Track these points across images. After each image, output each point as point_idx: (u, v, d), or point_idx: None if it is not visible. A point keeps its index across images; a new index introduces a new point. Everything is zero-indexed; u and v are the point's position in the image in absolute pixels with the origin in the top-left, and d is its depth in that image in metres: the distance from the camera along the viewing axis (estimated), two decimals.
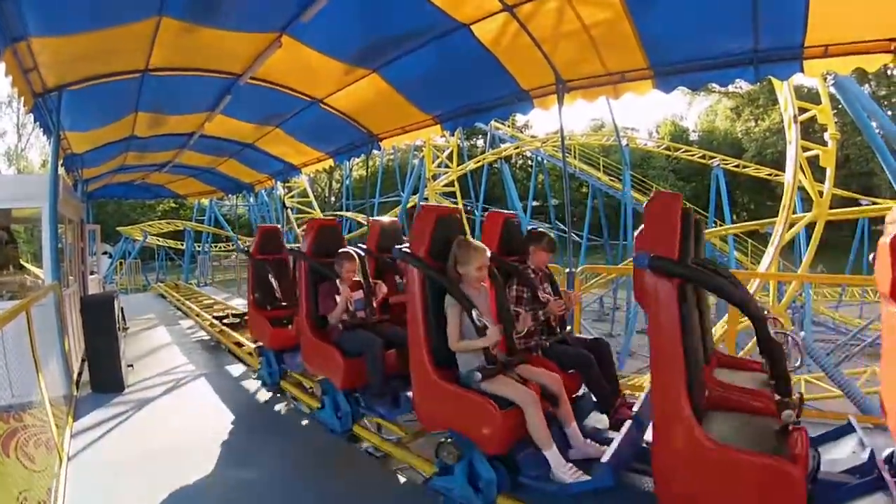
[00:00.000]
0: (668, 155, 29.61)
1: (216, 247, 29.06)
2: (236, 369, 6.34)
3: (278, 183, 10.99)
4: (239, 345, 7.02)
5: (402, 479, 3.46)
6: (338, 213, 32.24)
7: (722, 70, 4.40)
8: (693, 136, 45.10)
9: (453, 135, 17.44)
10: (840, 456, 2.55)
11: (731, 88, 42.86)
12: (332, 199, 44.75)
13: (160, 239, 27.75)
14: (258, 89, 5.86)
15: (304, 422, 4.54)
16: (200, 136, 7.44)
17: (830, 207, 9.19)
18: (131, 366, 6.20)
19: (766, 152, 35.54)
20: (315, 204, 19.92)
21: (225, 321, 8.35)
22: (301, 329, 4.28)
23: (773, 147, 36.03)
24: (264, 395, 5.29)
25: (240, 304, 11.80)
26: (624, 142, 20.65)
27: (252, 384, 5.68)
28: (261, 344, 5.58)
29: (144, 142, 7.47)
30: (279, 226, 6.14)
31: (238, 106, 6.30)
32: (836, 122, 8.73)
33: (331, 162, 8.31)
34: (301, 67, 5.37)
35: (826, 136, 8.01)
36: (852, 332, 14.29)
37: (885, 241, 2.49)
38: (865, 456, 2.35)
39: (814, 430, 2.50)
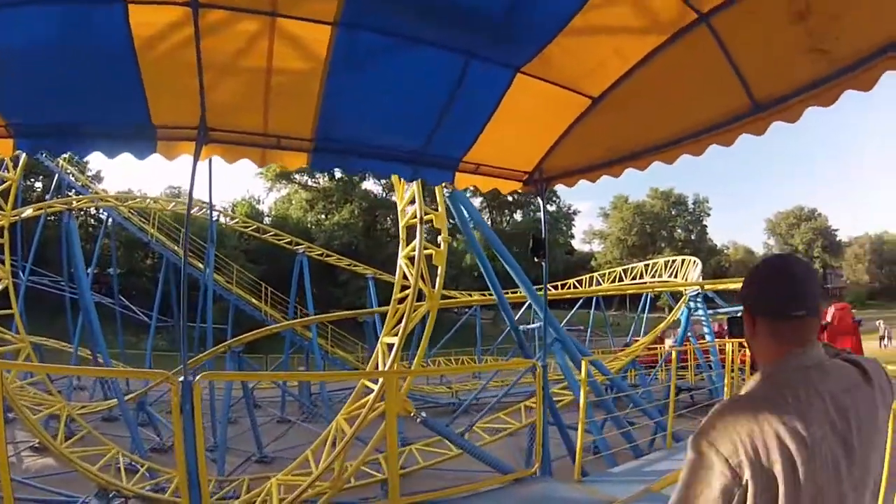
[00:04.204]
0: (242, 233, 29.18)
1: None
2: None
3: None
4: None
5: None
6: None
7: (382, 161, 4.44)
8: (267, 220, 45.78)
9: (20, 160, 12.88)
10: None
11: (309, 182, 47.77)
12: None
13: None
14: None
15: None
16: None
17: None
18: None
19: (334, 243, 40.09)
20: None
21: None
22: None
23: (340, 238, 42.11)
24: None
25: None
26: (214, 216, 19.47)
27: None
28: None
29: None
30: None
31: None
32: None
33: None
34: None
35: (440, 238, 9.36)
36: (453, 400, 18.40)
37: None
38: None
39: None
